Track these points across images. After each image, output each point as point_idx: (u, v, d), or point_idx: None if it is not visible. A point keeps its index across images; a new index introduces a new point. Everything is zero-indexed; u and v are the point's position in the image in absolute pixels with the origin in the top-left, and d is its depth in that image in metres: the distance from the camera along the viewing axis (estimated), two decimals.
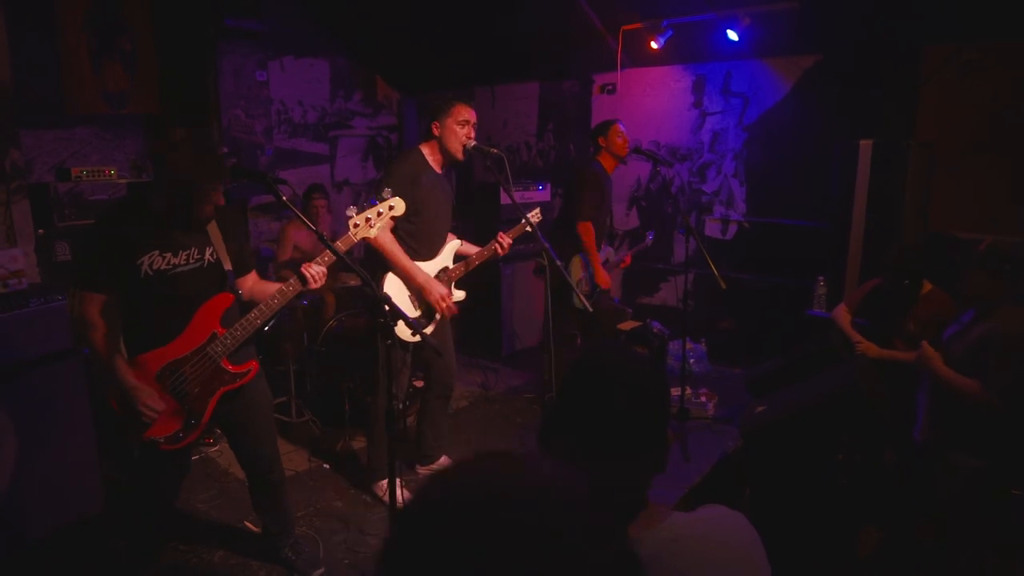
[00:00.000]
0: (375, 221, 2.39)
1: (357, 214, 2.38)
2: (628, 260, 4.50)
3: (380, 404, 3.09)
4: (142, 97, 4.78)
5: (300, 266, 2.34)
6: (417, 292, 3.02)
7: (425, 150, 3.06)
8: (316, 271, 2.31)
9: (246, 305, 2.37)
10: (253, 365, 2.37)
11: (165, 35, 4.81)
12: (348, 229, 2.38)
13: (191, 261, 2.24)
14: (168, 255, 2.20)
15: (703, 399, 4.20)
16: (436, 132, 3.01)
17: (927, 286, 3.08)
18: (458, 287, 3.21)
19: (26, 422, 2.73)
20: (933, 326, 2.91)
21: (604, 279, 4.03)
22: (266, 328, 3.94)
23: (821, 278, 4.23)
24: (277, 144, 5.67)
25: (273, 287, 2.41)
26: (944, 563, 2.58)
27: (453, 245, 3.20)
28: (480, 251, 3.16)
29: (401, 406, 3.51)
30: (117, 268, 2.16)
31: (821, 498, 2.83)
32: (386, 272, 2.98)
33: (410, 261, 2.97)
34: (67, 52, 4.38)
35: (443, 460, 3.53)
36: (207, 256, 2.28)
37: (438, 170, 3.07)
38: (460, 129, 2.96)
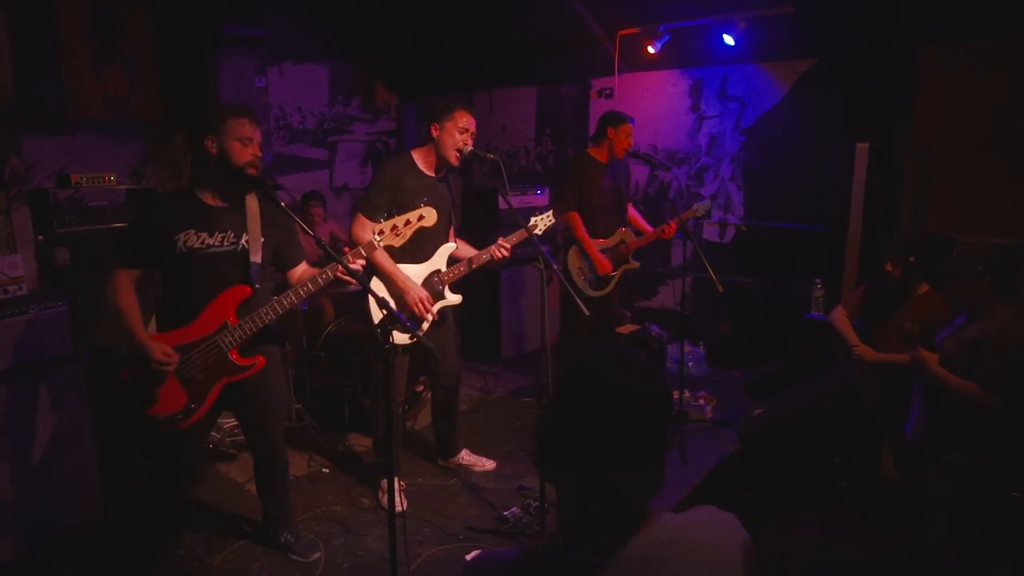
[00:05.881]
0: (401, 230, 2.36)
1: (384, 221, 2.38)
2: (672, 228, 3.96)
3: (380, 406, 3.11)
4: (142, 102, 4.79)
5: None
6: (397, 295, 3.00)
7: (416, 155, 3.08)
8: (355, 267, 2.33)
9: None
10: (260, 360, 2.39)
11: (165, 40, 4.83)
12: (371, 236, 2.36)
13: (226, 244, 2.32)
14: (204, 235, 2.28)
15: (701, 402, 4.20)
16: (435, 134, 3.03)
17: (924, 287, 3.10)
18: (456, 291, 3.19)
19: (26, 427, 2.73)
20: (929, 326, 2.92)
21: (603, 265, 3.97)
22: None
23: (818, 281, 4.24)
24: (276, 150, 5.68)
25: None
26: (944, 565, 2.58)
27: (447, 248, 3.15)
28: (478, 254, 3.12)
29: (401, 410, 3.54)
30: (155, 244, 2.27)
31: (820, 500, 2.84)
32: (371, 276, 2.98)
33: (392, 263, 2.97)
34: (68, 57, 4.40)
35: (464, 452, 3.57)
36: (242, 242, 2.34)
37: (430, 172, 3.08)
38: (459, 135, 2.98)
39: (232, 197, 2.36)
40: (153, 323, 2.40)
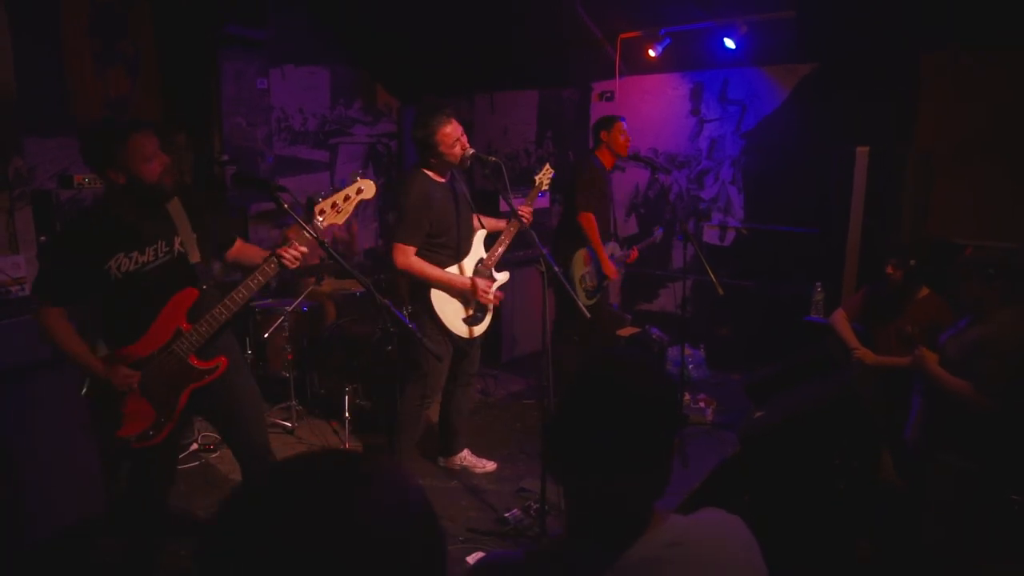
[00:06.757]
0: (341, 206, 2.34)
1: (323, 200, 2.32)
2: (635, 254, 4.31)
3: (406, 401, 3.20)
4: (143, 102, 4.80)
5: (296, 270, 2.33)
6: (462, 296, 3.17)
7: (427, 171, 3.15)
8: (294, 254, 2.25)
9: (225, 284, 2.33)
10: (222, 360, 2.32)
11: (167, 41, 4.84)
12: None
13: (160, 255, 2.21)
14: (135, 254, 2.17)
15: (702, 405, 4.21)
16: (434, 161, 3.11)
17: (924, 291, 3.10)
18: (498, 269, 3.34)
19: (29, 424, 2.74)
20: (930, 329, 2.92)
21: (611, 270, 4.05)
22: (265, 335, 3.98)
23: (819, 284, 4.24)
24: (277, 151, 5.69)
25: (258, 253, 2.40)
26: (942, 567, 2.59)
27: (480, 235, 3.33)
28: (507, 229, 3.26)
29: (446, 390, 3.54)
30: (83, 279, 2.15)
31: (819, 502, 2.84)
32: (430, 289, 3.10)
33: (444, 273, 3.10)
34: (70, 56, 4.40)
35: (465, 453, 3.59)
36: (176, 247, 2.24)
37: (442, 179, 3.17)
38: (456, 147, 3.06)
39: (151, 206, 2.22)
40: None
